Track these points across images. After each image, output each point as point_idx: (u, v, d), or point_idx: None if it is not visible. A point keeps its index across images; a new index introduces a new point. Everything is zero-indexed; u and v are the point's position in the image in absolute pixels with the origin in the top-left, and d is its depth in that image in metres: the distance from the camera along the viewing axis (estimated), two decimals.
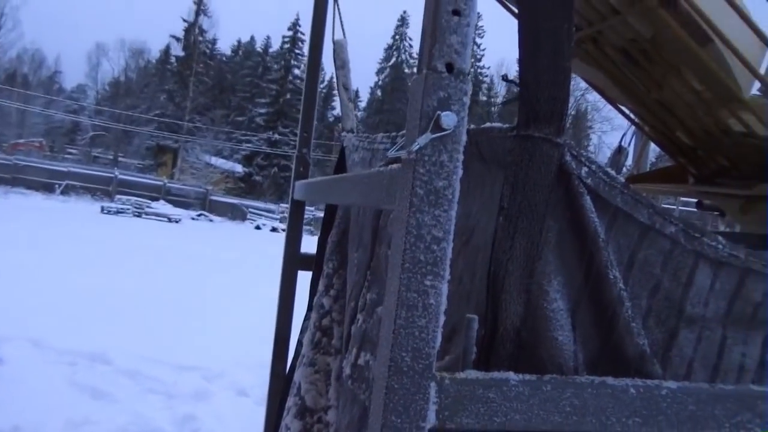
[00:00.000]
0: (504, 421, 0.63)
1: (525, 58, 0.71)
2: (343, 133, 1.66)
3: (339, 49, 1.79)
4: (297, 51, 46.89)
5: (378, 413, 0.60)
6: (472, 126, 0.80)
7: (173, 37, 45.43)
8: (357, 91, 47.52)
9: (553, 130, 0.71)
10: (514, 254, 0.72)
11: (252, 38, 54.66)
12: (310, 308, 1.61)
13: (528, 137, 0.71)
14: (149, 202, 25.95)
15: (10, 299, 6.32)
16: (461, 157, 0.60)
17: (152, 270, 10.30)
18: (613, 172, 0.74)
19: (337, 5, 1.88)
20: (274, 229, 27.43)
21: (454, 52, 0.60)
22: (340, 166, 1.63)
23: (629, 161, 2.08)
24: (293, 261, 1.82)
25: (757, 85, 1.31)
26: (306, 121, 1.87)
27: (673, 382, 0.71)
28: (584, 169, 0.72)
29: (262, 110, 44.81)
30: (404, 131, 1.11)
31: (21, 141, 43.01)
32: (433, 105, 0.60)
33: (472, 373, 0.64)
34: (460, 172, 0.60)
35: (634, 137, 1.99)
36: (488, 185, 0.76)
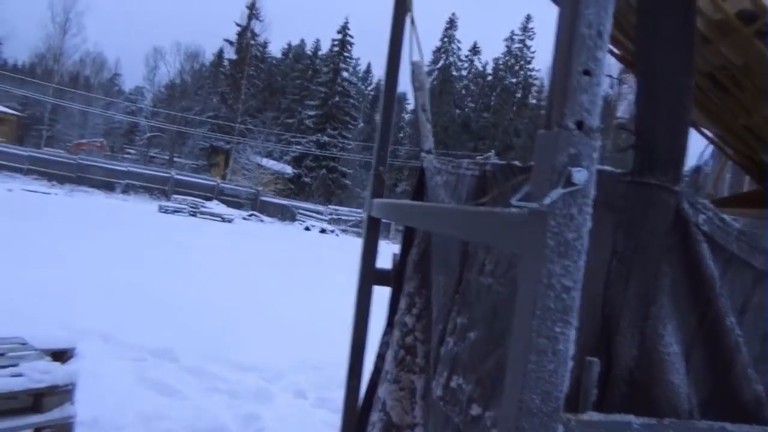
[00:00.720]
0: None
1: (643, 109, 0.73)
2: (423, 154, 1.70)
3: (417, 70, 1.84)
4: (346, 54, 47.40)
5: None
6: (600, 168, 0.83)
7: (227, 41, 46.73)
8: (404, 95, 47.58)
9: (671, 178, 0.73)
10: (628, 297, 0.74)
11: (302, 41, 55.67)
12: (390, 324, 1.66)
13: (644, 184, 0.74)
14: (204, 201, 26.75)
15: (81, 295, 6.67)
16: (590, 210, 0.63)
17: (211, 269, 10.63)
18: (728, 219, 0.76)
19: (415, 27, 1.92)
20: (323, 231, 27.80)
21: (585, 111, 0.63)
22: (420, 186, 1.67)
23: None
24: (369, 276, 1.87)
25: None
26: (382, 140, 1.92)
27: None
28: (702, 217, 0.74)
29: (311, 112, 45.50)
30: (497, 161, 1.14)
31: (84, 141, 45.11)
32: (564, 161, 0.63)
33: (595, 415, 0.67)
34: (589, 224, 0.63)
35: (711, 158, 1.96)
36: (604, 227, 0.79)
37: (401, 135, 44.19)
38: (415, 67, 1.87)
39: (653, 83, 0.72)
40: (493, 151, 0.69)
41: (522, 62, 48.76)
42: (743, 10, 1.23)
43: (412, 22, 1.95)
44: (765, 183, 1.73)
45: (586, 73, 0.63)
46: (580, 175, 0.62)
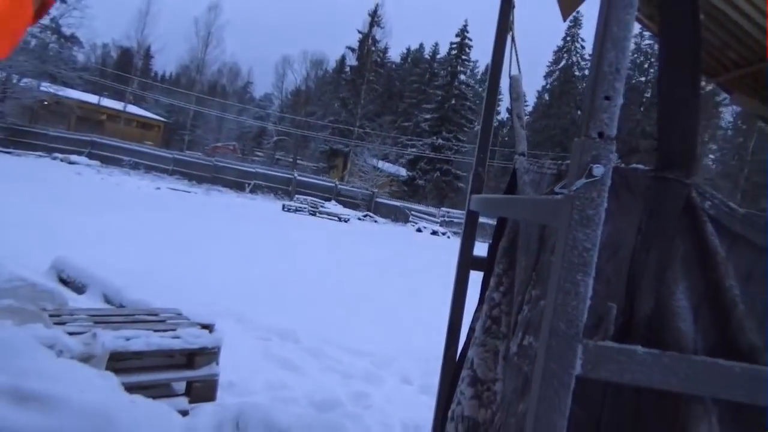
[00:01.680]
0: (630, 378, 0.90)
1: (662, 121, 0.97)
2: (516, 156, 1.97)
3: (515, 84, 2.10)
4: (464, 57, 47.39)
5: (541, 361, 0.91)
6: (623, 165, 1.07)
7: (349, 48, 48.66)
8: (524, 96, 46.56)
9: (684, 173, 0.96)
10: (649, 263, 0.98)
11: (421, 45, 56.49)
12: (481, 302, 1.94)
13: (663, 178, 0.97)
14: (323, 202, 28.20)
15: (219, 282, 7.56)
16: (606, 195, 0.89)
17: (329, 264, 11.39)
18: (733, 204, 0.97)
19: (514, 44, 2.19)
20: (434, 233, 28.13)
21: (605, 125, 0.89)
22: (512, 184, 1.94)
23: None
24: (466, 261, 2.16)
25: None
26: (482, 143, 2.21)
27: None
28: (707, 203, 0.96)
29: (428, 116, 46.03)
30: (568, 161, 1.40)
31: (219, 144, 49.20)
32: (588, 160, 0.90)
33: (609, 343, 0.92)
34: (605, 204, 0.89)
35: None
36: (633, 210, 1.03)
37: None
38: (513, 80, 2.13)
39: (669, 103, 0.95)
40: (615, 153, 0.88)
41: (652, 59, 45.77)
42: None
43: (513, 40, 2.21)
44: None
45: (607, 98, 0.89)
46: (598, 170, 0.88)
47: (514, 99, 2.08)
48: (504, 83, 2.20)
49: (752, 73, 1.60)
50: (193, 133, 50.09)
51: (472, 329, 1.94)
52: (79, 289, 4.68)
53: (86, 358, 2.75)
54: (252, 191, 31.89)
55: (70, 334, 2.90)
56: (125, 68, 49.05)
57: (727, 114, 41.07)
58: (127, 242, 9.13)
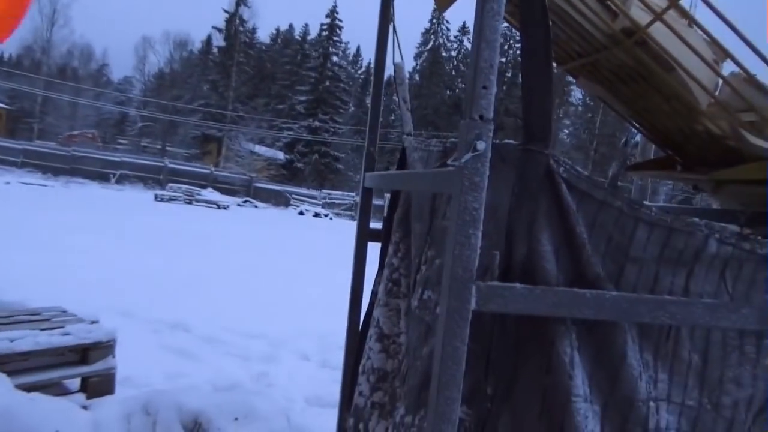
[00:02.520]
0: (513, 308, 1.15)
1: (525, 103, 1.22)
2: (404, 136, 2.19)
3: (398, 71, 2.32)
4: (335, 38, 47.40)
5: (444, 301, 1.14)
6: (498, 141, 1.32)
7: (215, 28, 46.64)
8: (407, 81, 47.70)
9: (543, 145, 1.22)
10: (521, 219, 1.24)
11: (291, 26, 55.49)
12: (381, 268, 2.17)
13: (528, 150, 1.23)
14: (199, 189, 27.10)
15: (98, 277, 7.16)
16: (488, 164, 1.12)
17: (212, 251, 11.13)
18: (580, 169, 1.25)
19: (396, 36, 2.40)
20: (317, 215, 28.23)
21: (483, 109, 1.12)
22: (402, 161, 2.16)
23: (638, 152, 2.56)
24: (364, 234, 2.37)
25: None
26: (372, 125, 2.41)
27: (615, 292, 1.22)
28: (561, 169, 1.23)
29: (302, 98, 45.61)
30: (453, 139, 1.63)
31: (75, 132, 45.15)
32: (472, 138, 1.12)
33: (495, 283, 1.17)
34: (487, 172, 1.12)
35: (641, 135, 2.46)
36: (507, 177, 1.28)
37: (392, 118, 44.48)
38: (396, 68, 2.35)
39: (529, 90, 1.21)
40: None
41: (512, 41, 48.86)
42: (625, 27, 1.72)
43: (395, 30, 2.43)
44: (669, 152, 2.24)
45: (484, 87, 1.12)
46: (481, 146, 1.11)
47: (399, 84, 2.30)
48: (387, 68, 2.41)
49: (591, 62, 1.95)
50: (42, 121, 45.40)
51: (374, 293, 2.16)
52: None
53: None
54: (118, 181, 29.82)
55: None
56: None
57: (577, 92, 45.19)
58: None
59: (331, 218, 28.36)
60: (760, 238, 1.44)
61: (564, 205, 1.24)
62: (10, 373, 2.93)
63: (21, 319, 3.49)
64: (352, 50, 56.26)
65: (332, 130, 44.08)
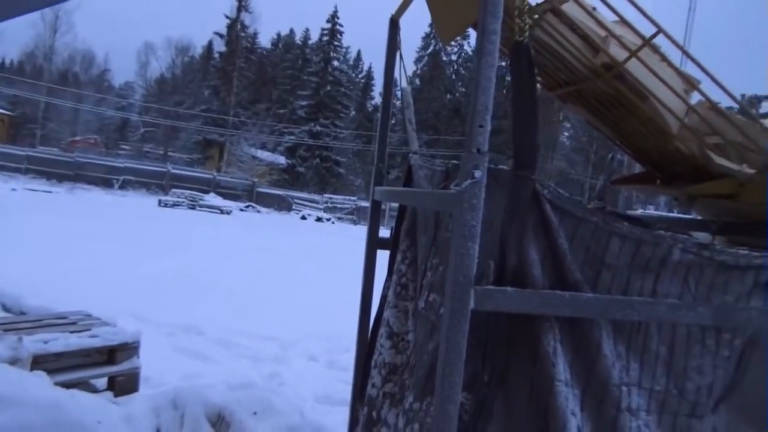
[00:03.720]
0: (504, 307, 1.39)
1: (514, 138, 1.46)
2: (410, 154, 2.44)
3: (405, 94, 2.56)
4: (336, 43, 47.70)
5: (448, 302, 1.37)
6: (494, 166, 1.56)
7: (216, 33, 46.94)
8: (396, 81, 48.01)
9: (530, 171, 1.47)
10: (512, 232, 1.48)
11: (291, 31, 55.79)
12: (390, 273, 2.41)
13: (517, 175, 1.48)
14: (202, 194, 27.36)
15: (111, 283, 7.40)
16: (483, 189, 1.36)
17: (218, 256, 11.37)
18: (561, 191, 1.49)
19: (402, 61, 2.65)
20: (318, 219, 28.47)
21: (480, 144, 1.36)
22: (408, 178, 2.40)
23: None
24: (374, 242, 2.62)
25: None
26: (381, 143, 2.65)
27: (590, 294, 1.46)
28: (545, 191, 1.47)
29: (304, 102, 45.88)
30: (455, 161, 1.86)
31: (78, 138, 45.45)
32: (471, 167, 1.36)
33: (490, 287, 1.41)
34: (483, 196, 1.36)
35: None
36: (501, 197, 1.52)
37: (392, 121, 44.81)
38: (403, 91, 2.59)
39: (516, 128, 1.46)
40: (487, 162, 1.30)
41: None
42: (604, 62, 1.96)
43: (401, 57, 2.67)
44: (649, 168, 2.48)
45: (481, 126, 1.36)
46: (478, 174, 1.35)
47: (406, 107, 2.55)
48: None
49: (576, 90, 2.19)
50: (45, 126, 45.72)
51: (384, 296, 2.40)
52: None
53: (13, 362, 2.84)
54: (122, 187, 30.07)
55: None
56: None
57: None
58: (5, 250, 8.52)
59: (333, 222, 28.61)
60: (719, 246, 1.68)
61: (548, 221, 1.48)
62: (48, 373, 3.17)
63: (50, 323, 3.73)
64: (352, 54, 56.57)
65: (333, 134, 44.35)
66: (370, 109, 52.27)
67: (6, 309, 4.50)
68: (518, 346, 1.55)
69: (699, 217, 2.44)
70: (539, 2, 1.91)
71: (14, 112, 46.89)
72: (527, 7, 1.81)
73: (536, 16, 1.89)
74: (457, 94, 50.71)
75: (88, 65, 57.37)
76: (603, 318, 1.52)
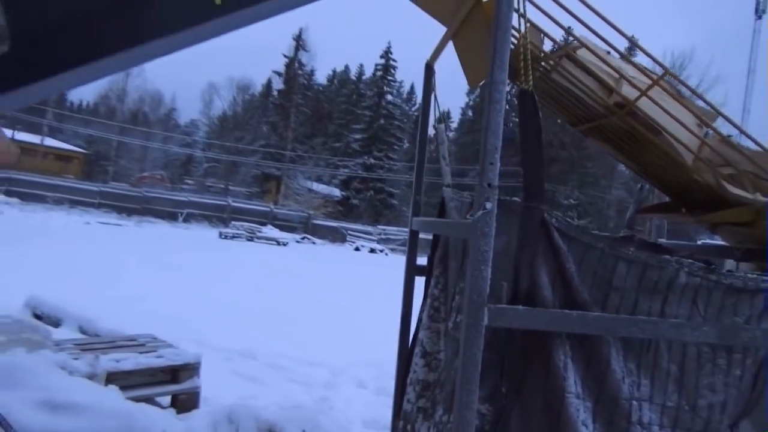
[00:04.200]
0: (516, 324, 1.56)
1: (524, 173, 1.65)
2: (444, 188, 2.65)
3: (440, 132, 2.79)
4: (389, 77, 48.79)
5: (465, 317, 1.56)
6: (507, 198, 1.75)
7: (275, 72, 49.00)
8: (448, 112, 48.57)
9: (538, 202, 1.65)
10: (524, 257, 1.66)
11: (346, 67, 57.48)
12: (425, 297, 2.60)
13: (528, 206, 1.66)
14: (259, 227, 28.28)
15: (175, 309, 7.86)
16: (494, 219, 1.55)
17: (274, 285, 11.79)
18: (569, 220, 1.66)
19: (437, 101, 2.88)
20: (372, 251, 28.78)
21: (491, 179, 1.56)
22: (442, 209, 2.61)
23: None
24: (412, 269, 2.82)
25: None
26: (418, 177, 2.88)
27: (599, 314, 1.61)
28: (553, 220, 1.65)
29: (358, 136, 46.91)
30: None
31: (146, 174, 47.98)
32: (484, 198, 1.56)
33: (502, 305, 1.58)
34: (494, 224, 1.55)
35: None
36: (514, 226, 1.70)
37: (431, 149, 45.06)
38: (438, 130, 2.82)
39: (526, 165, 1.65)
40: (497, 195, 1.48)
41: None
42: (617, 101, 2.13)
43: (436, 98, 2.91)
44: (673, 197, 2.59)
45: (491, 163, 1.56)
46: (489, 205, 1.54)
47: (441, 143, 2.77)
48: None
49: (596, 126, 2.36)
50: (116, 163, 48.65)
51: (419, 319, 2.59)
52: (55, 323, 4.97)
53: (91, 377, 3.17)
54: (185, 220, 31.47)
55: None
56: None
57: None
58: (78, 277, 9.20)
59: (386, 254, 28.85)
60: (725, 270, 1.79)
61: (556, 247, 1.65)
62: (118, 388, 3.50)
63: (121, 344, 4.09)
64: (406, 88, 57.52)
65: (387, 166, 45.02)
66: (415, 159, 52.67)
67: (83, 331, 4.93)
68: (532, 361, 1.70)
69: (725, 244, 2.52)
70: (554, 49, 2.11)
71: (89, 150, 50.19)
72: (542, 53, 2.02)
73: (551, 62, 2.08)
74: (510, 124, 50.48)
75: (156, 105, 60.89)
76: (609, 335, 1.66)
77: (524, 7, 1.59)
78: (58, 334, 4.56)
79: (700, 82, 32.24)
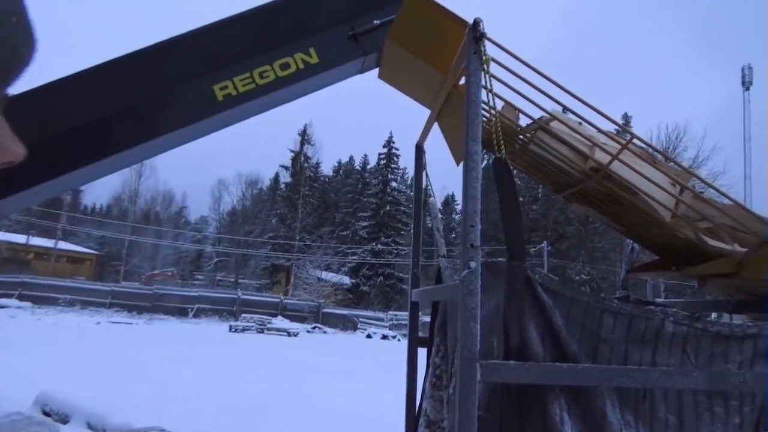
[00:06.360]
0: (508, 379, 1.61)
1: (506, 235, 1.76)
2: (439, 258, 2.75)
3: (432, 207, 2.94)
4: (393, 165, 50.15)
5: (457, 375, 1.61)
6: (491, 260, 1.85)
7: (282, 166, 50.56)
8: (453, 196, 49.28)
9: (521, 261, 1.75)
10: (512, 314, 1.73)
11: (351, 158, 59.32)
12: (427, 366, 2.63)
13: (511, 265, 1.76)
14: (270, 318, 28.07)
15: (183, 404, 7.75)
16: (479, 278, 1.65)
17: (283, 378, 11.58)
18: (551, 275, 1.75)
19: (428, 178, 3.05)
20: (384, 337, 28.32)
21: (473, 240, 1.67)
22: (438, 279, 2.70)
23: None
24: (414, 340, 2.86)
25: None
26: (415, 251, 2.99)
27: (588, 365, 1.66)
28: (537, 276, 1.74)
29: (365, 223, 47.54)
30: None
31: (156, 272, 48.33)
32: (468, 258, 1.66)
33: (494, 361, 1.64)
34: (479, 283, 1.64)
35: None
36: (501, 285, 1.79)
37: (453, 235, 45.49)
38: (431, 205, 2.97)
39: (506, 228, 1.77)
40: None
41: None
42: (592, 166, 2.28)
43: (427, 176, 3.08)
44: (661, 255, 2.67)
45: (472, 226, 1.68)
46: (472, 264, 1.65)
47: (433, 217, 2.90)
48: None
49: (578, 191, 2.49)
50: (128, 263, 49.20)
51: (423, 389, 2.61)
52: (63, 420, 4.93)
53: None
54: (195, 315, 31.33)
55: None
56: (53, 204, 48.39)
57: None
58: (88, 375, 9.13)
59: (399, 340, 28.33)
60: (711, 318, 1.85)
61: (542, 303, 1.73)
62: None
63: None
64: (409, 174, 58.89)
65: (395, 251, 45.19)
66: (429, 225, 53.28)
67: (91, 427, 4.88)
68: (529, 416, 1.73)
69: (717, 298, 2.57)
70: (528, 124, 2.29)
71: (101, 252, 50.94)
72: (519, 128, 2.19)
73: (528, 135, 2.26)
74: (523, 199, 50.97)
75: (167, 204, 62.38)
76: (600, 385, 1.70)
77: (491, 83, 1.77)
78: (66, 430, 4.53)
79: (699, 152, 32.91)
